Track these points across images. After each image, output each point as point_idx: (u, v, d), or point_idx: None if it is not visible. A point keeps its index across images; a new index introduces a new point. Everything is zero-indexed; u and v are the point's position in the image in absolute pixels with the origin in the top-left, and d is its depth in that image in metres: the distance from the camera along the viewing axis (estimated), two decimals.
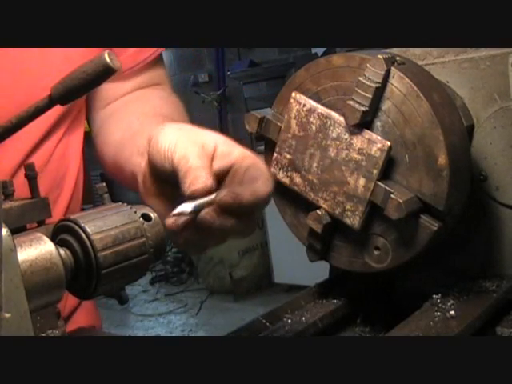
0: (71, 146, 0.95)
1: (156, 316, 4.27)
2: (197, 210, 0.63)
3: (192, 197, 0.63)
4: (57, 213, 0.88)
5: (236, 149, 0.68)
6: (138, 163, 0.73)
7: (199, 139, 0.67)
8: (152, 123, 0.82)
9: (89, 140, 1.00)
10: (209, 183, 0.63)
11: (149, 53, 0.98)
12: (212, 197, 0.63)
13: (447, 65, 0.85)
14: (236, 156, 0.67)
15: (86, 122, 1.00)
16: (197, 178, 0.63)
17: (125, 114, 0.92)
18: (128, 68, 0.95)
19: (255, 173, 0.65)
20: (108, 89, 0.95)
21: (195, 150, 0.65)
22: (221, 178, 0.66)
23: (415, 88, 0.72)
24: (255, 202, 0.62)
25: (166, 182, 0.69)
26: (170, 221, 0.64)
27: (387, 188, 0.72)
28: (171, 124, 0.71)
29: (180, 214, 0.63)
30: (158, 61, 1.02)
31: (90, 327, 1.02)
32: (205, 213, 0.63)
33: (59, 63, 0.85)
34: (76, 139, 0.96)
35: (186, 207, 0.62)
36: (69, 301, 0.98)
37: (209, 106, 5.24)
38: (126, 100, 0.96)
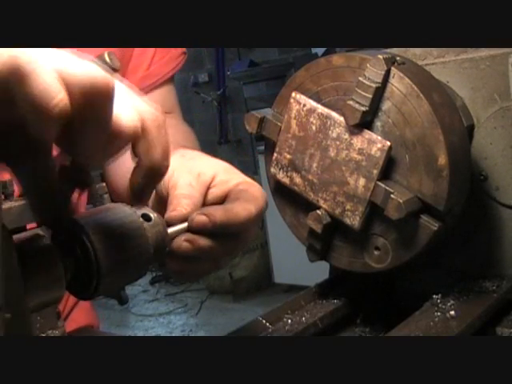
0: None
1: (156, 316, 4.27)
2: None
3: (169, 224, 0.62)
4: None
5: (235, 176, 0.68)
6: None
7: (196, 168, 0.68)
8: None
9: None
10: (186, 212, 0.63)
11: (156, 77, 0.99)
12: (186, 224, 0.63)
13: (447, 65, 0.85)
14: (233, 183, 0.67)
15: None
16: (176, 205, 0.64)
17: None
18: None
19: (239, 194, 0.65)
20: None
21: (189, 178, 0.66)
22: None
23: (415, 88, 0.72)
24: (229, 222, 0.62)
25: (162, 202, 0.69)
26: None
27: (387, 188, 0.72)
28: (178, 151, 0.71)
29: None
30: (168, 86, 1.03)
31: (88, 326, 1.02)
32: (179, 239, 0.62)
33: None
34: None
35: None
36: (67, 300, 0.98)
37: (209, 106, 5.24)
38: None
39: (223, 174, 0.68)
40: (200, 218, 0.61)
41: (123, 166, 0.90)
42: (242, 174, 0.70)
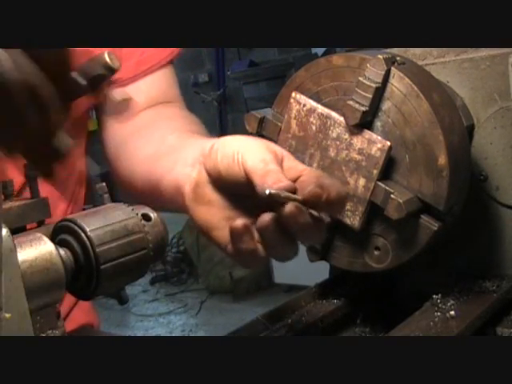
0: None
1: (156, 316, 4.27)
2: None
3: (270, 199, 0.60)
4: (60, 213, 0.88)
5: (300, 164, 0.68)
6: (185, 173, 0.72)
7: (270, 147, 0.67)
8: (192, 138, 0.82)
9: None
10: (292, 184, 0.62)
11: (152, 62, 0.98)
12: (293, 196, 0.61)
13: (447, 65, 0.85)
14: (302, 168, 0.66)
15: (91, 121, 0.99)
16: (280, 179, 0.62)
17: (154, 130, 0.91)
18: (130, 77, 0.94)
19: (329, 178, 0.65)
20: None
21: (271, 156, 0.65)
22: None
23: (415, 88, 0.72)
24: (340, 198, 0.62)
25: (222, 190, 0.69)
26: (238, 224, 0.63)
27: (387, 188, 0.72)
28: (229, 136, 0.71)
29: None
30: (166, 72, 1.01)
31: (88, 325, 1.02)
32: (291, 206, 0.60)
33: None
34: (79, 139, 0.96)
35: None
36: (66, 299, 0.98)
37: (209, 106, 5.24)
38: (149, 117, 0.95)
39: (289, 158, 0.67)
40: (317, 189, 0.61)
41: (141, 151, 0.89)
42: None
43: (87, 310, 1.06)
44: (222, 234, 0.68)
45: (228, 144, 0.68)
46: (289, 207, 0.60)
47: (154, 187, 0.81)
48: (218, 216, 0.69)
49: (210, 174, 0.69)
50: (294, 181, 0.64)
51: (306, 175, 0.65)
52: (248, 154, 0.65)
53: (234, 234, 0.63)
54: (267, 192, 0.60)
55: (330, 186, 0.62)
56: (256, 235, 0.64)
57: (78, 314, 1.01)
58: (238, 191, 0.67)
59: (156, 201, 0.80)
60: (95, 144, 1.04)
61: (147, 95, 0.97)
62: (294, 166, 0.66)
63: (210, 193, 0.69)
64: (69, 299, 0.99)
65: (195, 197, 0.70)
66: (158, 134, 0.89)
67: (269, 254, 0.65)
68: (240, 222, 0.63)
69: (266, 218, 0.62)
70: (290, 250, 0.65)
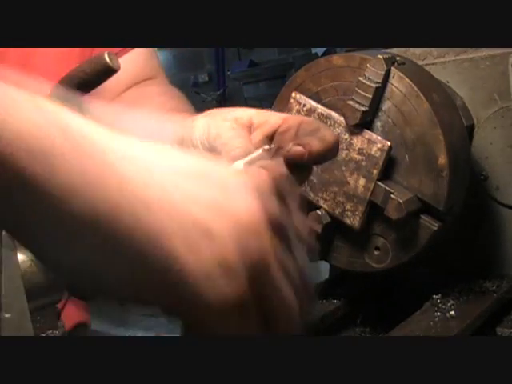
0: None
1: (156, 316, 4.27)
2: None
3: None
4: None
5: (273, 115, 0.62)
6: None
7: (230, 115, 0.62)
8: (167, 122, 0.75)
9: None
10: (249, 146, 0.56)
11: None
12: (261, 151, 0.55)
13: (447, 65, 0.85)
14: (275, 120, 0.60)
15: None
16: (233, 147, 0.56)
17: (134, 116, 0.89)
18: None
19: (312, 125, 0.58)
20: (104, 89, 0.94)
21: (227, 124, 0.60)
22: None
23: (415, 88, 0.72)
24: (325, 150, 0.56)
25: None
26: None
27: (387, 188, 0.72)
28: (197, 116, 0.65)
29: None
30: (148, 50, 0.97)
31: (82, 323, 1.02)
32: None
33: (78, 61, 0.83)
34: None
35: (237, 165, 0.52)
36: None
37: (209, 106, 5.22)
38: (129, 99, 0.92)
39: (258, 116, 0.61)
40: (297, 148, 0.55)
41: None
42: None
43: (80, 307, 1.06)
44: None
45: (195, 130, 0.62)
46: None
47: None
48: None
49: None
50: (271, 137, 0.59)
51: (283, 126, 0.59)
52: (208, 134, 0.60)
53: None
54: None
55: (310, 142, 0.55)
56: None
57: (72, 311, 1.01)
58: None
59: None
60: None
61: (126, 73, 0.94)
62: (265, 120, 0.60)
63: None
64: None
65: None
66: (137, 119, 0.83)
67: None
68: None
69: None
70: None
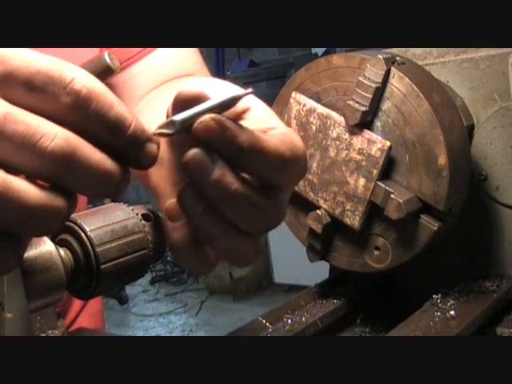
0: None
1: (156, 316, 4.27)
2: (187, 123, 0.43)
3: (178, 107, 0.46)
4: None
5: (273, 118, 0.53)
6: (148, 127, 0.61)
7: (228, 90, 0.51)
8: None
9: None
10: (200, 90, 0.46)
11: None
12: (210, 104, 0.44)
13: (447, 65, 0.85)
14: (269, 125, 0.51)
15: None
16: (185, 92, 0.47)
17: (152, 108, 0.82)
18: (135, 53, 0.89)
19: (276, 133, 0.49)
20: (135, 85, 0.89)
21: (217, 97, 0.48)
22: None
23: (415, 88, 0.72)
24: (252, 149, 0.45)
25: (178, 145, 0.53)
26: (170, 204, 0.49)
27: (387, 188, 0.72)
28: (197, 77, 0.56)
29: (165, 129, 0.44)
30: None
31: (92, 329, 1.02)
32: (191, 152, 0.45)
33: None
34: None
35: (175, 117, 0.44)
36: (73, 306, 0.98)
37: None
38: (157, 92, 0.88)
39: (260, 110, 0.52)
40: (209, 122, 0.44)
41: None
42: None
43: (95, 314, 1.05)
44: (167, 205, 0.51)
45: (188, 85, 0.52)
46: (189, 152, 0.44)
47: None
48: (166, 180, 0.54)
49: None
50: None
51: (270, 132, 0.49)
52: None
53: (166, 216, 0.50)
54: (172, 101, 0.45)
55: (233, 127, 0.44)
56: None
57: (84, 320, 1.00)
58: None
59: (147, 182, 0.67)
60: None
61: (158, 71, 0.90)
62: (263, 118, 0.51)
63: (166, 151, 0.54)
64: (75, 304, 0.98)
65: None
66: (156, 109, 0.77)
67: (207, 241, 0.49)
68: (173, 201, 0.48)
69: (186, 188, 0.47)
70: (228, 237, 0.47)
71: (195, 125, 0.44)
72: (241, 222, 0.47)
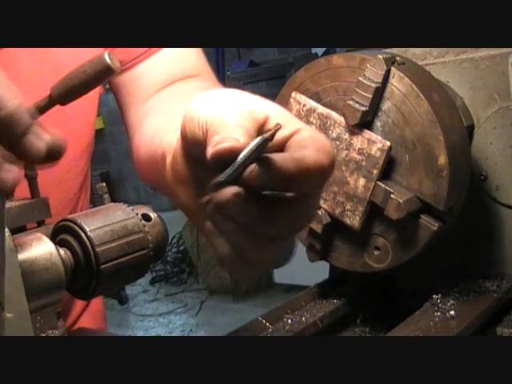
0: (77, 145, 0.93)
1: (156, 316, 4.27)
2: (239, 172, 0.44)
3: (216, 165, 0.46)
4: (64, 213, 0.86)
5: (293, 121, 0.52)
6: (168, 141, 0.60)
7: (247, 103, 0.51)
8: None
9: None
10: (241, 141, 0.46)
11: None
12: (246, 154, 0.45)
13: (447, 65, 0.85)
14: (291, 129, 0.50)
15: (95, 121, 0.97)
16: (227, 136, 0.47)
17: (163, 107, 0.83)
18: (142, 52, 0.88)
19: (305, 142, 0.48)
20: (142, 84, 0.89)
21: (238, 111, 0.50)
22: None
23: (415, 88, 0.72)
24: (299, 172, 0.46)
25: (200, 163, 0.52)
26: (208, 224, 0.49)
27: (387, 188, 0.72)
28: (213, 90, 0.55)
29: (220, 183, 0.45)
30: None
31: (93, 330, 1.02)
32: (227, 191, 0.45)
33: None
34: (86, 140, 0.94)
35: (227, 171, 0.45)
36: (75, 307, 0.98)
37: None
38: (163, 95, 0.88)
39: (278, 116, 0.51)
40: (256, 170, 0.45)
41: (147, 130, 0.83)
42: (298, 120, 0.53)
43: (96, 315, 1.05)
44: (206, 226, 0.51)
45: (201, 104, 0.52)
46: (223, 192, 0.45)
47: (154, 163, 0.69)
48: (195, 199, 0.54)
49: (182, 142, 0.55)
50: (283, 144, 0.50)
51: (293, 138, 0.50)
52: (212, 113, 0.50)
53: (206, 235, 0.50)
54: (208, 156, 0.46)
55: (283, 159, 0.46)
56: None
57: (86, 320, 1.00)
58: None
59: (158, 179, 0.67)
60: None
61: (163, 72, 0.89)
62: (283, 125, 0.49)
63: (187, 168, 0.55)
64: (78, 305, 0.98)
65: (173, 173, 0.57)
66: (164, 110, 0.80)
67: (248, 256, 0.50)
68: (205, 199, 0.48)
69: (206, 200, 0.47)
70: (266, 250, 0.49)
71: (246, 176, 0.45)
72: (271, 231, 0.49)
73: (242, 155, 0.45)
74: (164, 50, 0.90)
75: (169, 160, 0.58)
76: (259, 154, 0.45)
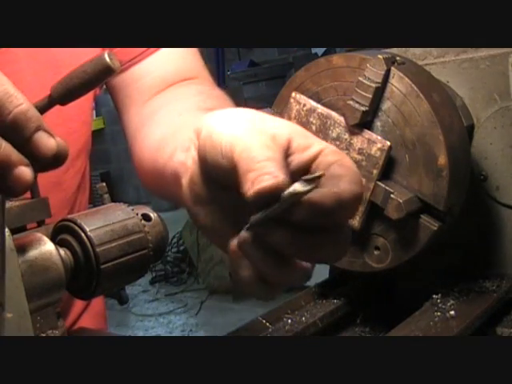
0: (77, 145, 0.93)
1: (156, 316, 4.27)
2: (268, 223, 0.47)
3: (257, 202, 0.48)
4: (62, 213, 0.87)
5: (316, 141, 0.52)
6: (180, 161, 0.60)
7: (269, 128, 0.52)
8: (196, 116, 0.70)
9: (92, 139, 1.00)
10: (281, 179, 0.47)
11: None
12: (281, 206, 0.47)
13: (447, 65, 0.85)
14: (316, 150, 0.51)
15: (92, 121, 0.97)
16: (263, 173, 0.47)
17: (165, 113, 0.83)
18: (139, 53, 0.89)
19: (339, 170, 0.49)
20: (141, 86, 0.89)
21: (262, 139, 0.50)
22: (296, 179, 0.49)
23: (415, 88, 0.72)
24: (337, 207, 0.47)
25: (221, 185, 0.54)
26: (233, 246, 0.51)
27: (387, 188, 0.72)
28: (228, 110, 0.56)
29: (249, 231, 0.48)
30: (189, 50, 0.93)
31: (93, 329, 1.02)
32: (277, 234, 0.48)
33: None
34: (83, 139, 0.95)
35: (254, 220, 0.48)
36: (75, 307, 0.98)
37: None
38: (163, 98, 0.88)
39: (300, 137, 0.52)
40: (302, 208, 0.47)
41: (150, 136, 0.83)
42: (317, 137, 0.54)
43: (97, 315, 1.05)
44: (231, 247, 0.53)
45: (219, 127, 0.53)
46: (273, 234, 0.48)
47: (161, 180, 0.70)
48: (220, 221, 0.56)
49: (200, 165, 0.56)
50: (309, 166, 0.51)
51: (319, 160, 0.51)
52: (237, 141, 0.50)
53: (231, 257, 0.51)
54: (248, 194, 0.47)
55: (323, 197, 0.47)
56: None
57: (87, 320, 1.00)
58: (235, 187, 0.51)
59: (165, 191, 0.70)
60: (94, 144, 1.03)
61: (160, 73, 0.90)
62: (307, 145, 0.51)
63: (208, 191, 0.56)
64: (77, 305, 0.98)
65: (192, 194, 0.58)
66: (167, 117, 0.81)
67: (271, 279, 0.52)
68: (233, 245, 0.51)
69: (244, 235, 0.50)
70: (289, 274, 0.51)
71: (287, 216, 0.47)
72: (308, 260, 0.51)
73: (284, 195, 0.46)
74: (161, 51, 0.90)
75: (185, 181, 0.59)
76: (300, 198, 0.47)
